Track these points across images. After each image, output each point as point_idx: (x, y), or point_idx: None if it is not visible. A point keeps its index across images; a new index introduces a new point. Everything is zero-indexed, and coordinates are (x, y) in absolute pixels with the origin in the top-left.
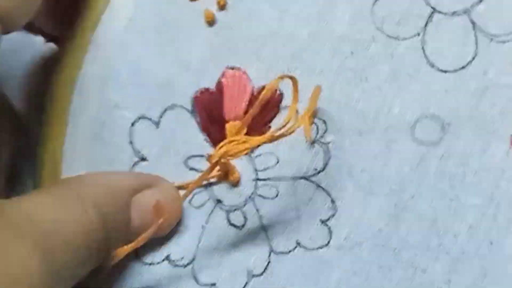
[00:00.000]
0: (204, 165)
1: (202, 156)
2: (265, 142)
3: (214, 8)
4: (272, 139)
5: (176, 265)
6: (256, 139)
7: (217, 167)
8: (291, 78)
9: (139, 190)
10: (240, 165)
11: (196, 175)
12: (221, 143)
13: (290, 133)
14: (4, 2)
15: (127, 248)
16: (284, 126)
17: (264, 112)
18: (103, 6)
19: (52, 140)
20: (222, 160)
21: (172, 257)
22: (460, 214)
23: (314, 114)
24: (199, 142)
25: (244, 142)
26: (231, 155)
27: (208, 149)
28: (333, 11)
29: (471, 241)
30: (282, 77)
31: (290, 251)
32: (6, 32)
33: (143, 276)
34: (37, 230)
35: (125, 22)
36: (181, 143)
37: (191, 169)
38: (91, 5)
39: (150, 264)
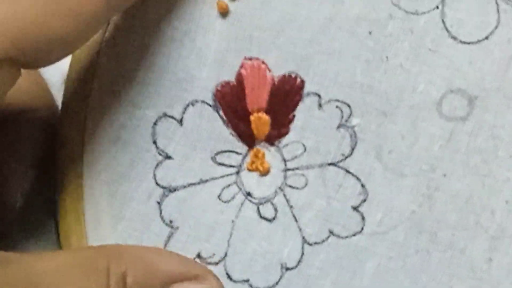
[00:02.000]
0: (234, 159)
1: (230, 151)
2: None
3: None
4: None
5: (208, 263)
6: None
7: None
8: None
9: (181, 279)
10: (268, 156)
11: (226, 171)
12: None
13: None
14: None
15: None
16: None
17: (286, 100)
18: None
19: (71, 144)
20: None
21: (203, 255)
22: (495, 190)
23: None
24: (225, 136)
25: None
26: None
27: (235, 143)
28: None
29: (510, 217)
30: None
31: (323, 241)
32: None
33: None
34: None
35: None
36: (207, 139)
37: (220, 164)
38: None
39: None
